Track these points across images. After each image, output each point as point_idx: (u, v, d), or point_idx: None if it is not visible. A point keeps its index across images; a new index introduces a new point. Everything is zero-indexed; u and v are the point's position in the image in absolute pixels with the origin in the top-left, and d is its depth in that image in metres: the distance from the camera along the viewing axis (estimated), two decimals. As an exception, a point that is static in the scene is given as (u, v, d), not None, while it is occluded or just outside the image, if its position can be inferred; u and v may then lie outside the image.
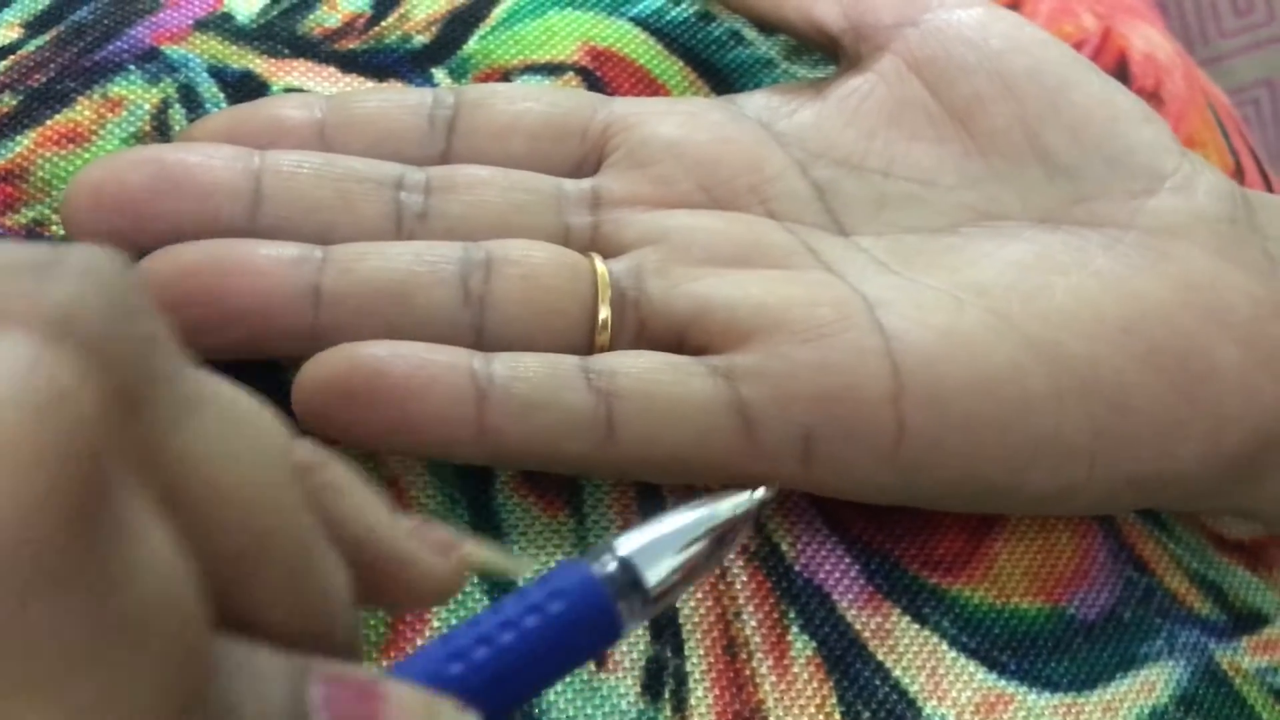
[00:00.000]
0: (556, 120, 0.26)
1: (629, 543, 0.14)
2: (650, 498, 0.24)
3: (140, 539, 0.11)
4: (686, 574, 0.14)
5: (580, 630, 0.14)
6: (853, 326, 0.22)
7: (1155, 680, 0.25)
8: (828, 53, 0.29)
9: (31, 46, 0.25)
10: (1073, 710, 0.24)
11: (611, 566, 0.14)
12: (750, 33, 0.30)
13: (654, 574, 0.14)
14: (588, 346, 0.22)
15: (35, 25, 0.26)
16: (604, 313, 0.22)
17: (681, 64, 0.29)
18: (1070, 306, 0.23)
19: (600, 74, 0.28)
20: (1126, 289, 0.24)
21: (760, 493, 0.16)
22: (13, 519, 0.10)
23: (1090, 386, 0.23)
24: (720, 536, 0.15)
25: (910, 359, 0.22)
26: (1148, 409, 0.23)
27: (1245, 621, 0.27)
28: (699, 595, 0.23)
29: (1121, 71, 0.35)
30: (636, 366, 0.22)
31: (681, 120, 0.26)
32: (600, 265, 0.23)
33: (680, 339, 0.23)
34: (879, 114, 0.26)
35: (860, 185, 0.26)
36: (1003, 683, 0.24)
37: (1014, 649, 0.24)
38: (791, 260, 0.24)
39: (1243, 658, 0.26)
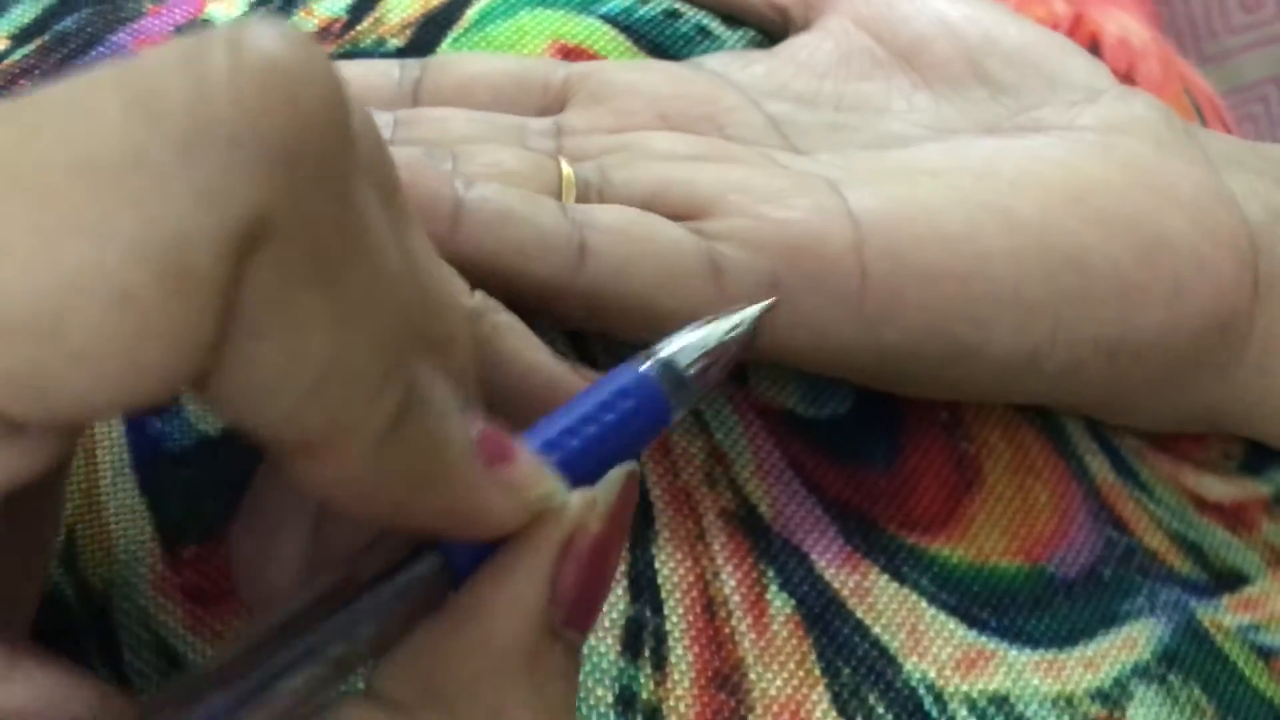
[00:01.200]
0: (519, 74, 0.27)
1: (666, 347, 0.19)
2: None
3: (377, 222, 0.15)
4: (710, 365, 0.19)
5: (642, 421, 0.18)
6: (813, 191, 0.23)
7: (1137, 637, 0.26)
8: (779, 30, 0.31)
9: (18, 55, 0.27)
10: (1054, 666, 0.25)
11: (656, 366, 0.18)
12: (717, 28, 0.31)
13: (690, 367, 0.19)
14: None
15: (21, 36, 0.27)
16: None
17: (650, 60, 0.30)
18: (1021, 180, 0.25)
19: (573, 66, 0.30)
20: (1074, 168, 0.25)
21: (766, 303, 0.20)
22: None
23: (1047, 246, 0.24)
24: (737, 340, 0.19)
25: (870, 216, 0.23)
26: (1105, 269, 0.24)
27: (1226, 580, 0.28)
28: (677, 556, 0.24)
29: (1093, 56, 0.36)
30: (613, 211, 0.23)
31: (639, 68, 0.28)
32: (565, 166, 0.24)
33: None
34: (827, 61, 0.29)
35: (813, 116, 0.28)
36: (983, 639, 0.25)
37: (994, 606, 0.25)
38: (750, 163, 0.25)
39: (1224, 615, 0.27)
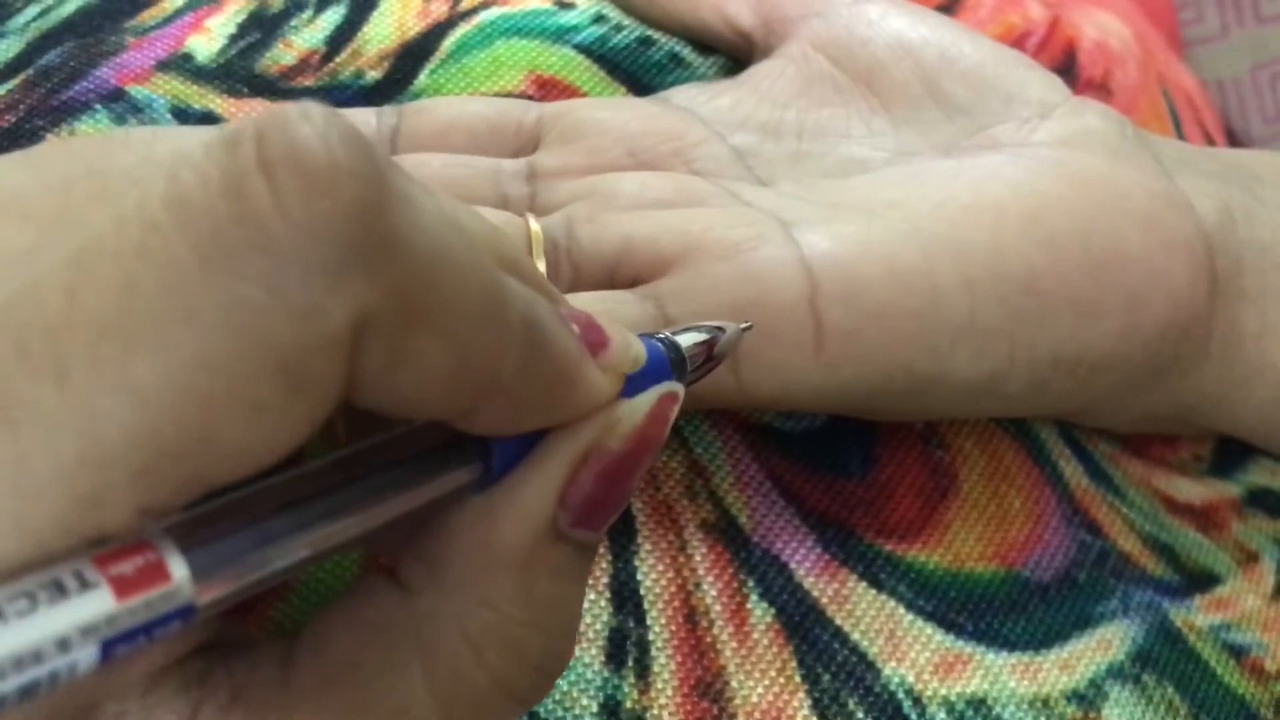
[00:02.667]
0: (493, 118, 0.30)
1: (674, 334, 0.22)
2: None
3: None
4: (695, 356, 0.22)
5: (648, 384, 0.20)
6: (767, 241, 0.25)
7: (1112, 638, 0.28)
8: (741, 52, 0.33)
9: (2, 90, 0.29)
10: (1030, 668, 0.27)
11: (666, 343, 0.21)
12: (689, 55, 0.34)
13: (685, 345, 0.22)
14: None
15: (5, 72, 0.29)
16: (540, 266, 0.26)
17: (624, 89, 0.32)
18: (974, 205, 0.27)
19: (546, 101, 0.32)
20: (1027, 188, 0.27)
21: (743, 325, 0.23)
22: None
23: (999, 272, 0.26)
24: (711, 344, 0.22)
25: (823, 262, 0.25)
26: (1057, 289, 0.26)
27: (1197, 581, 0.30)
28: (659, 568, 0.25)
29: (1069, 62, 0.38)
30: (570, 299, 0.25)
31: (610, 106, 0.30)
32: (533, 223, 0.26)
33: (612, 278, 0.26)
34: (789, 90, 0.31)
35: (777, 147, 0.30)
36: (960, 643, 0.27)
37: (970, 611, 0.27)
38: (713, 202, 0.27)
39: (1196, 615, 0.29)
